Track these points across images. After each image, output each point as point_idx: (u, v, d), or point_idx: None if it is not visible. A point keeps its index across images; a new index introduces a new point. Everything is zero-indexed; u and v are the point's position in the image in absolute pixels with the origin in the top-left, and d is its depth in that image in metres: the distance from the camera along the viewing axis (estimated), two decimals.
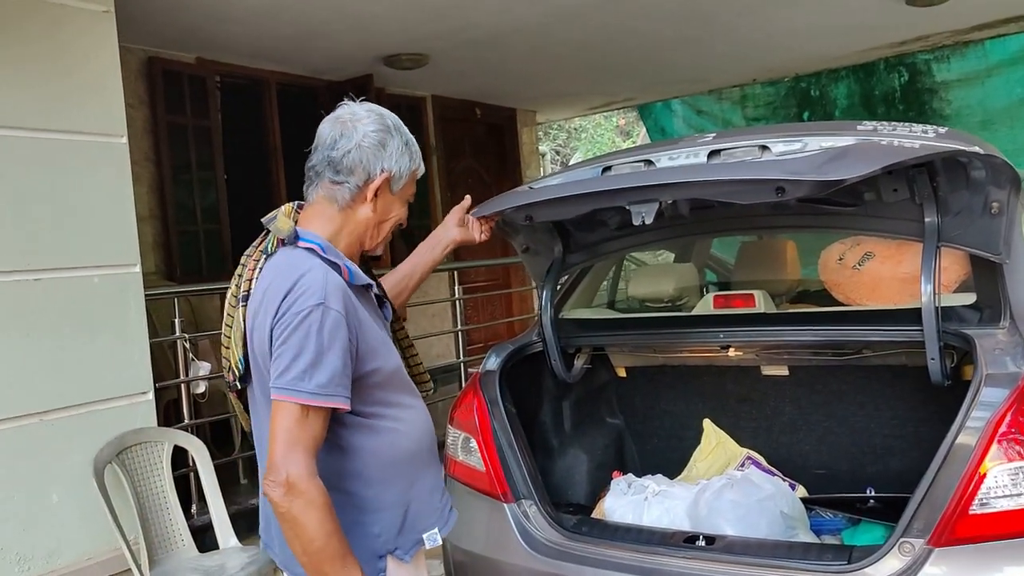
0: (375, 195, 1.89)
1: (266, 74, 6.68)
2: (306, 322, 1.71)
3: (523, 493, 2.77)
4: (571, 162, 17.15)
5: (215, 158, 6.33)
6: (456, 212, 2.45)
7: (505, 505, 2.77)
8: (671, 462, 3.33)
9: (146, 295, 3.96)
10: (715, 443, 3.21)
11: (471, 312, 8.51)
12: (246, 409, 2.00)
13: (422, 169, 2.00)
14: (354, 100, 1.95)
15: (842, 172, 2.05)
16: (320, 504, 1.69)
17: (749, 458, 3.16)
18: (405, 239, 7.82)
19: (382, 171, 1.87)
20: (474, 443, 2.88)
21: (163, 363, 4.54)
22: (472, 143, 8.99)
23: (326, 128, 1.90)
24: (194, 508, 4.10)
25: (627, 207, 2.35)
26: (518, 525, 2.72)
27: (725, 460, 3.18)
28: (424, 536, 1.95)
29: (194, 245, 6.21)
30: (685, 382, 3.38)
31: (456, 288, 6.41)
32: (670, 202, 2.33)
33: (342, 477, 1.83)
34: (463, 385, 6.31)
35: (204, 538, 3.90)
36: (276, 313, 1.75)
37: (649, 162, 2.57)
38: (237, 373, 1.90)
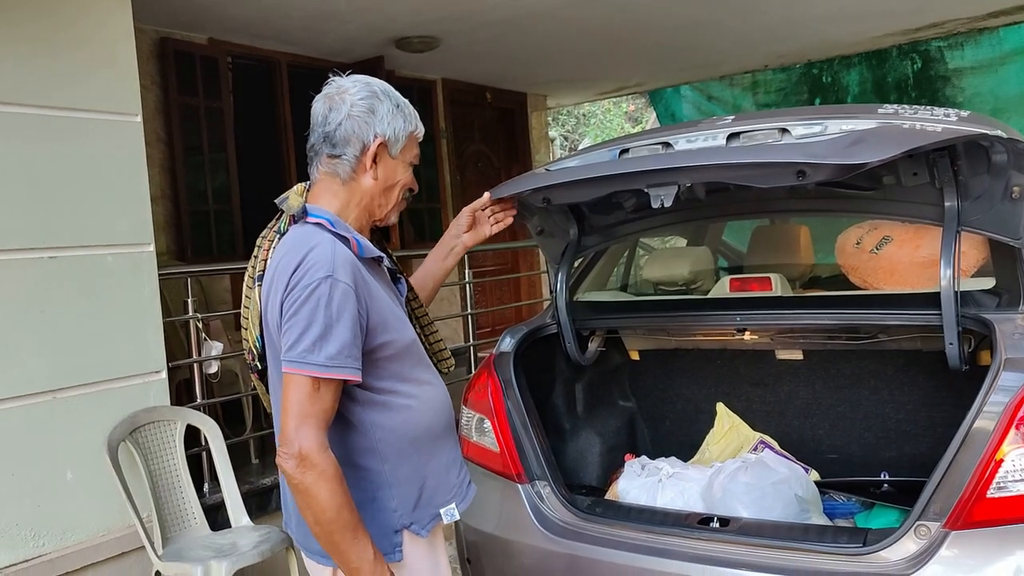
0: (374, 162, 1.90)
1: (277, 55, 6.67)
2: (315, 295, 1.73)
3: (537, 474, 2.79)
4: (580, 147, 17.10)
5: (226, 139, 6.32)
6: (466, 214, 2.42)
7: (519, 486, 2.78)
8: (684, 445, 3.33)
9: (159, 275, 3.96)
10: (728, 427, 3.22)
11: (479, 296, 8.51)
12: (268, 390, 2.01)
13: (421, 130, 1.99)
14: (340, 75, 1.95)
15: (864, 156, 2.04)
16: (331, 476, 1.71)
17: (762, 442, 3.17)
18: (413, 221, 7.86)
19: (375, 136, 1.88)
20: (488, 424, 2.89)
21: (175, 343, 4.55)
22: (482, 127, 8.97)
23: (317, 106, 1.92)
24: (206, 487, 4.11)
25: (645, 190, 2.35)
26: (532, 506, 2.74)
27: (738, 444, 3.18)
28: (441, 511, 1.96)
29: (205, 226, 6.22)
30: (698, 366, 3.38)
31: (466, 271, 6.39)
32: (688, 185, 2.32)
33: (357, 453, 1.85)
34: (472, 369, 6.32)
35: (216, 516, 3.92)
36: (286, 288, 1.77)
37: (667, 144, 2.56)
38: (256, 353, 1.92)
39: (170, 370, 4.00)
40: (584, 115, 18.55)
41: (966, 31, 8.35)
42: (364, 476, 1.85)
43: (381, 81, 1.96)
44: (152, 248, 3.88)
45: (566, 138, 18.31)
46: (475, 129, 8.86)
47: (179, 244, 6.00)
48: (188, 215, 6.05)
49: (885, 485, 2.78)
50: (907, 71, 9.16)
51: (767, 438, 3.17)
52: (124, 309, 3.75)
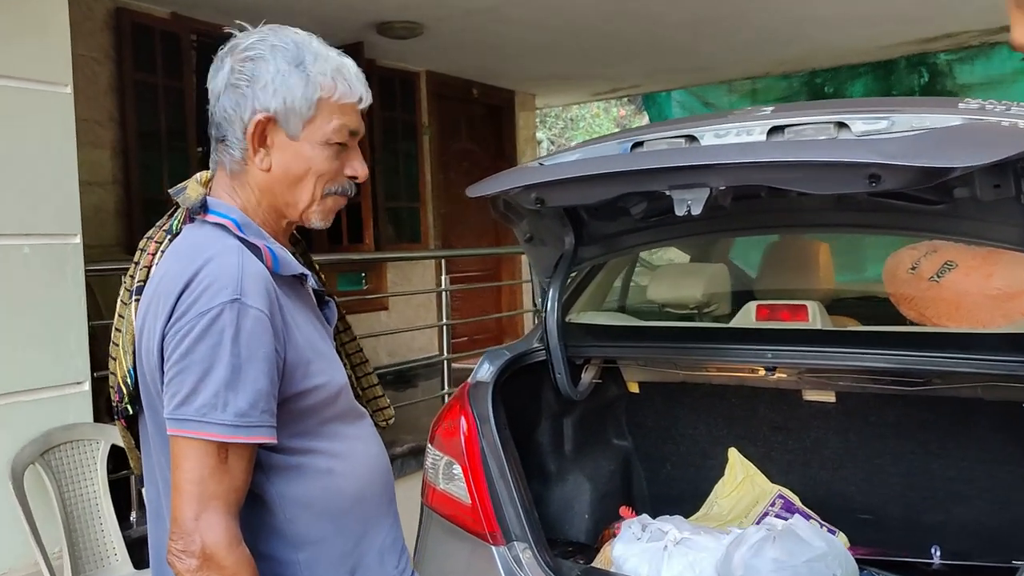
0: (262, 145, 1.37)
1: None
2: (216, 326, 1.24)
3: (516, 533, 2.28)
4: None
5: (187, 122, 5.79)
6: None
7: (493, 547, 2.28)
8: (686, 495, 2.86)
9: (90, 270, 3.44)
10: (742, 477, 2.74)
11: (457, 303, 8.01)
12: (137, 445, 1.50)
13: (347, 93, 1.40)
14: (247, 27, 1.42)
15: (959, 158, 1.58)
16: None
17: (781, 496, 2.70)
18: (391, 220, 7.35)
19: (254, 112, 1.35)
20: (458, 468, 2.40)
21: (107, 350, 4.02)
22: (468, 124, 8.47)
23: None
24: (133, 517, 3.58)
25: (667, 192, 1.87)
26: (508, 573, 2.24)
27: (753, 498, 2.71)
28: None
29: (159, 216, 5.62)
30: (708, 403, 2.90)
31: (443, 278, 5.88)
32: (722, 188, 1.84)
33: (260, 537, 1.34)
34: (446, 383, 5.81)
35: (143, 552, 3.37)
36: (171, 315, 1.26)
37: (692, 138, 2.08)
38: (125, 392, 1.40)
39: (96, 381, 3.47)
40: (572, 119, 18.13)
41: (978, 44, 7.96)
42: (269, 570, 1.34)
43: (290, 30, 1.40)
44: (79, 240, 3.37)
45: (552, 142, 17.87)
46: (461, 126, 8.36)
47: (129, 235, 5.46)
48: (141, 203, 5.51)
49: (937, 562, 2.30)
50: (913, 84, 8.76)
51: (787, 492, 2.70)
52: (42, 310, 3.23)
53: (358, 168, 1.44)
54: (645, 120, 12.01)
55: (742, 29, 6.78)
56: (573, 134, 18.16)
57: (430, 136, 7.77)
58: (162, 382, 1.28)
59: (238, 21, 1.44)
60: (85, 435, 3.32)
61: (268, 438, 1.28)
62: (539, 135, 13.72)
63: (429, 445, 2.51)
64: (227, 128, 1.38)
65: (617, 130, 17.04)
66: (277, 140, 1.38)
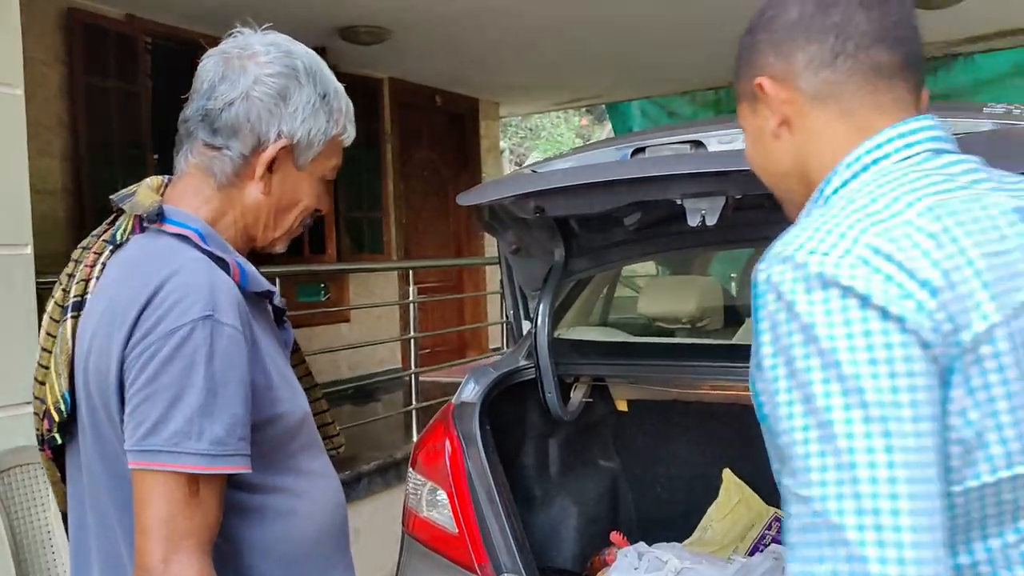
0: (269, 170, 1.28)
1: (206, 40, 5.90)
2: (187, 346, 1.11)
3: (506, 564, 2.15)
4: (527, 162, 16.53)
5: (142, 128, 5.57)
6: None
7: None
8: (677, 519, 2.74)
9: (41, 282, 3.24)
10: (736, 499, 2.63)
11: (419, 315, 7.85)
12: (63, 478, 1.34)
13: (350, 135, 1.39)
14: (253, 28, 1.32)
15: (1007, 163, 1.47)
16: None
17: (777, 519, 2.59)
18: (350, 230, 7.16)
19: (279, 136, 1.27)
20: (443, 495, 2.26)
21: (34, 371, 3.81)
22: (431, 133, 8.32)
23: (207, 65, 1.28)
24: None
25: (679, 202, 1.75)
26: None
27: (748, 521, 2.60)
28: None
29: None
30: (700, 422, 2.78)
31: (411, 288, 5.72)
32: (738, 197, 1.72)
33: None
34: (413, 397, 5.64)
35: None
36: (131, 333, 1.13)
37: (698, 144, 1.96)
38: (57, 418, 1.24)
39: None
40: (532, 129, 18.07)
41: (941, 56, 8.02)
42: None
43: (310, 52, 1.34)
44: (30, 250, 3.16)
45: (512, 151, 17.78)
46: (423, 134, 8.21)
47: None
48: (93, 213, 5.26)
49: None
50: None
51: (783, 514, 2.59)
52: None
53: (327, 203, 1.41)
54: (608, 130, 11.95)
55: (705, 40, 6.72)
56: (534, 143, 18.12)
57: (392, 145, 7.62)
58: (121, 410, 1.14)
59: (248, 18, 1.35)
60: (36, 459, 3.11)
61: (245, 467, 1.15)
62: (500, 144, 13.62)
63: (411, 469, 2.37)
64: (231, 137, 1.26)
65: (580, 142, 17.01)
66: (283, 167, 1.31)
